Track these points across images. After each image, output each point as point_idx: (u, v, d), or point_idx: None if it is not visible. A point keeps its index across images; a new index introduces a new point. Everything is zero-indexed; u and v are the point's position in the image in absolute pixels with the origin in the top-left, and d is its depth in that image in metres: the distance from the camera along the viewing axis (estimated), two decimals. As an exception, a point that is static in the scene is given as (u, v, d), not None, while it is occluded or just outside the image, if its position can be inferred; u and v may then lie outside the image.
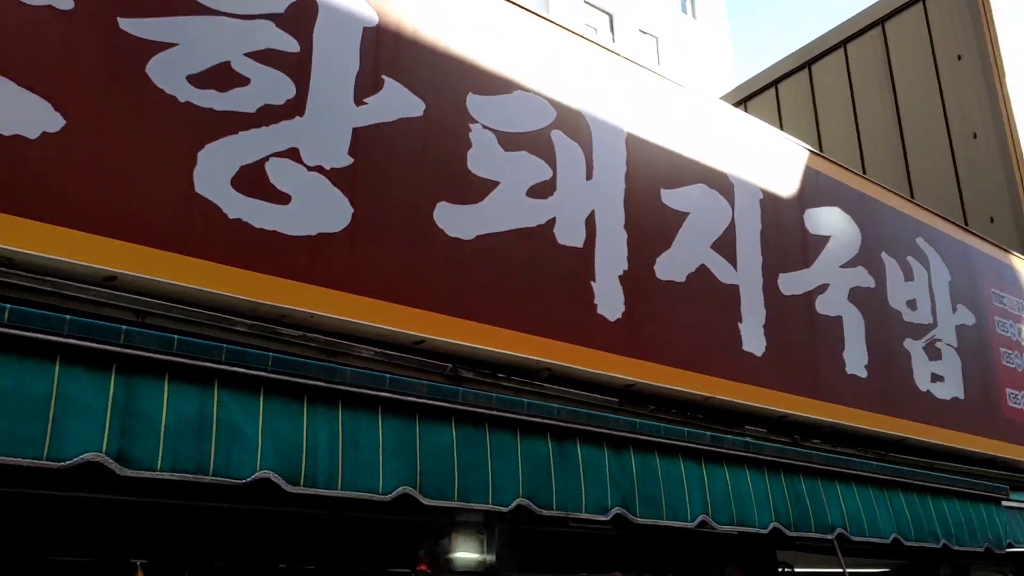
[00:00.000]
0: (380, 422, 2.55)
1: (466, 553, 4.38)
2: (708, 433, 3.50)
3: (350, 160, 3.91)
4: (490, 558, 4.38)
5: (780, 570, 5.57)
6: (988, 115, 10.28)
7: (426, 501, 2.53)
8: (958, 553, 6.98)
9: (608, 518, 2.96)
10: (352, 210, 3.85)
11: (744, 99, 12.98)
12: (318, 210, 3.76)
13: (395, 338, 3.91)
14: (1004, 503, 4.92)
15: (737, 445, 3.51)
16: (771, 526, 3.46)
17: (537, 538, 4.64)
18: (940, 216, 7.37)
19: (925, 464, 5.46)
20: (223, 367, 2.41)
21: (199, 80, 3.54)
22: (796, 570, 5.68)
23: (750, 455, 3.54)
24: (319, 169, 3.80)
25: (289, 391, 2.49)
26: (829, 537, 3.70)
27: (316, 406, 2.48)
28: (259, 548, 3.74)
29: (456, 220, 4.18)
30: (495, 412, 2.78)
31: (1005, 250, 8.05)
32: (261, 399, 2.41)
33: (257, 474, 2.31)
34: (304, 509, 3.87)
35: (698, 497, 3.24)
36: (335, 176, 3.84)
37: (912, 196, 9.88)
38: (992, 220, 9.96)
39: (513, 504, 2.72)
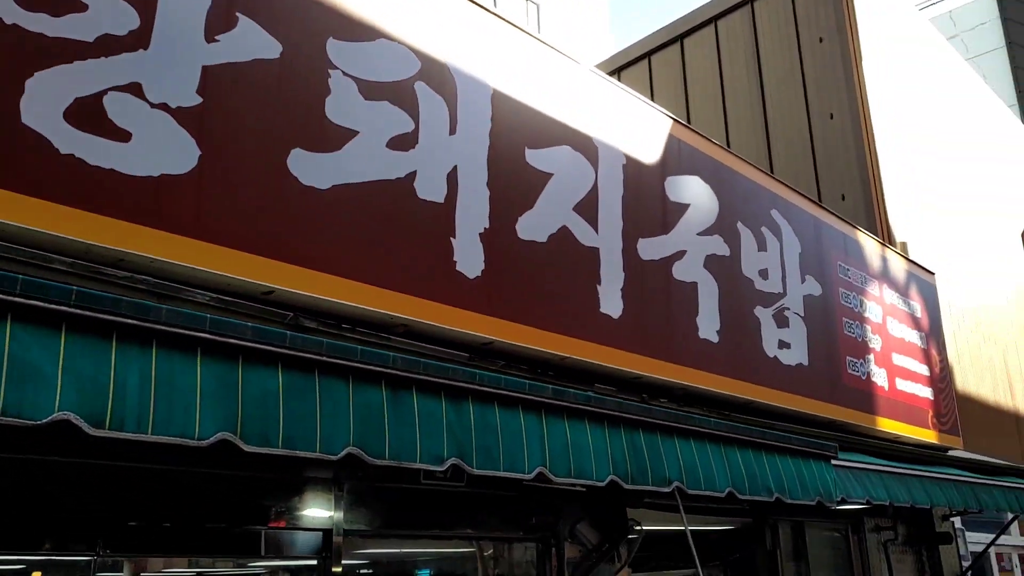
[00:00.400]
0: (199, 364, 2.42)
1: (315, 510, 4.31)
2: (550, 386, 3.51)
3: (198, 99, 3.71)
4: (338, 515, 4.32)
5: (628, 526, 5.72)
6: (844, 97, 10.74)
7: (247, 447, 2.44)
8: (794, 509, 7.34)
9: (443, 468, 2.93)
10: (199, 152, 3.67)
11: (618, 69, 13.13)
12: (161, 150, 3.56)
13: (243, 288, 3.77)
14: (834, 461, 5.19)
15: (579, 399, 3.54)
16: (609, 479, 3.51)
17: (388, 496, 4.60)
18: (794, 190, 7.66)
19: (764, 423, 5.68)
20: (17, 299, 2.22)
21: (29, 2, 3.28)
22: (643, 528, 5.84)
23: (591, 409, 3.58)
24: (164, 107, 3.60)
25: (95, 328, 2.32)
26: (666, 490, 3.80)
27: (126, 345, 2.33)
28: (106, 504, 3.54)
29: (311, 168, 4.04)
30: (325, 358, 2.69)
31: (853, 226, 8.44)
32: (63, 336, 2.24)
33: (55, 415, 2.15)
34: (154, 464, 3.71)
35: (537, 449, 3.26)
36: (181, 115, 3.64)
37: (772, 171, 10.25)
38: (843, 198, 10.44)
39: (343, 452, 2.65)
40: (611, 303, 5.36)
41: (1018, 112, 20.90)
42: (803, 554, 7.68)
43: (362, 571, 6.07)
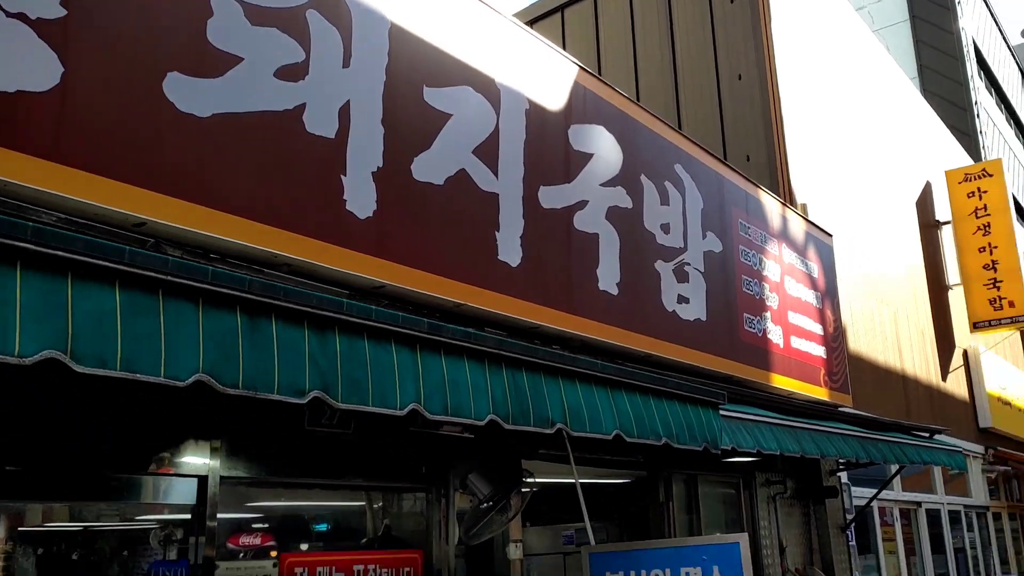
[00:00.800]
0: (18, 279, 2.20)
1: (191, 456, 4.11)
2: (425, 320, 3.38)
3: (62, 12, 3.41)
4: (215, 463, 4.13)
5: (522, 478, 5.67)
6: (753, 59, 10.80)
7: (79, 368, 2.23)
8: (688, 464, 7.43)
9: (305, 401, 2.78)
10: (62, 69, 3.38)
11: (531, 20, 12.93)
12: (18, 64, 3.27)
13: (112, 217, 3.51)
14: (723, 411, 5.22)
15: (456, 335, 3.41)
16: (488, 418, 3.40)
17: (270, 442, 4.42)
18: (699, 146, 7.65)
19: (655, 372, 5.66)
20: None
21: None
22: (538, 479, 5.81)
23: (470, 345, 3.46)
24: (22, 17, 3.29)
25: None
26: (549, 431, 3.72)
27: (-78, 256, 2.09)
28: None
29: (190, 94, 3.78)
30: (171, 278, 2.48)
31: (755, 184, 8.51)
32: None
33: None
34: (14, 404, 3.47)
35: (410, 385, 3.12)
36: (42, 28, 3.34)
37: (680, 129, 10.25)
38: (748, 158, 10.54)
39: (191, 379, 2.46)
40: (510, 251, 5.25)
41: (918, 84, 21.52)
42: (695, 508, 7.81)
43: (254, 525, 5.90)
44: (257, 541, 5.82)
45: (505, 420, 3.48)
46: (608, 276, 6.07)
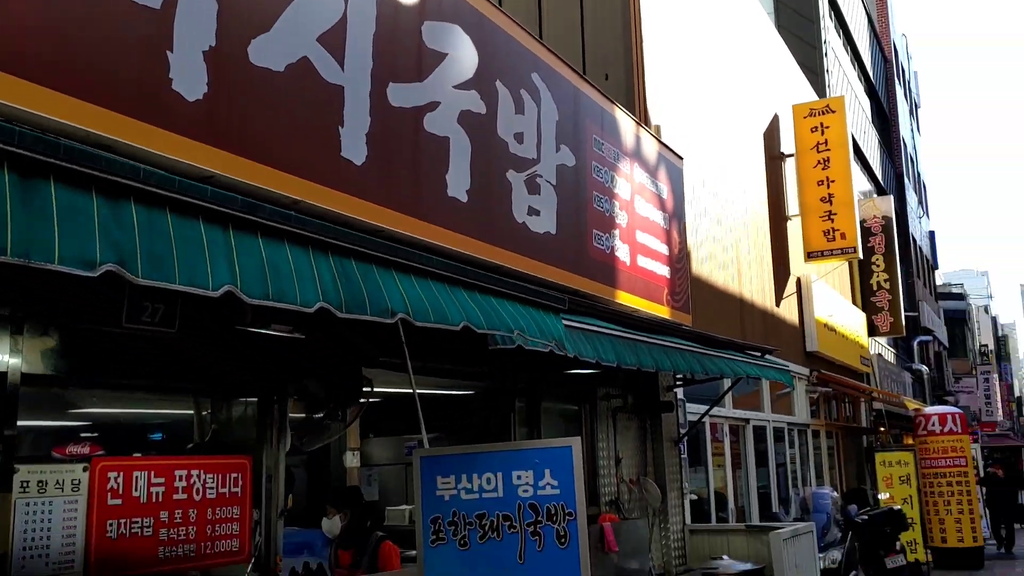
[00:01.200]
0: None
1: (-10, 352, 3.75)
2: (239, 197, 3.13)
3: None
4: (15, 360, 3.78)
5: (361, 385, 5.54)
6: (617, -24, 10.69)
7: None
8: (531, 376, 7.49)
9: (96, 274, 2.50)
10: None
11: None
12: None
13: None
14: (566, 321, 5.22)
15: (274, 216, 3.18)
16: (317, 306, 3.20)
17: (83, 339, 4.09)
18: (558, 56, 7.51)
19: (493, 276, 5.57)
20: None
21: None
22: (377, 388, 5.69)
23: (290, 228, 3.24)
24: None
25: None
26: (389, 321, 3.55)
27: None
28: None
29: (-17, -59, 3.31)
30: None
31: (612, 101, 8.48)
32: None
33: None
34: None
35: (223, 266, 2.88)
36: None
37: (539, 42, 10.07)
38: (607, 78, 10.51)
39: None
40: (354, 148, 4.99)
41: (774, 19, 22.07)
42: (536, 420, 7.91)
43: (83, 435, 5.54)
44: (85, 450, 5.48)
45: (339, 309, 3.27)
46: (458, 182, 5.91)
